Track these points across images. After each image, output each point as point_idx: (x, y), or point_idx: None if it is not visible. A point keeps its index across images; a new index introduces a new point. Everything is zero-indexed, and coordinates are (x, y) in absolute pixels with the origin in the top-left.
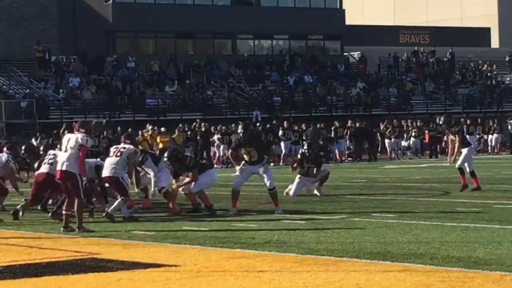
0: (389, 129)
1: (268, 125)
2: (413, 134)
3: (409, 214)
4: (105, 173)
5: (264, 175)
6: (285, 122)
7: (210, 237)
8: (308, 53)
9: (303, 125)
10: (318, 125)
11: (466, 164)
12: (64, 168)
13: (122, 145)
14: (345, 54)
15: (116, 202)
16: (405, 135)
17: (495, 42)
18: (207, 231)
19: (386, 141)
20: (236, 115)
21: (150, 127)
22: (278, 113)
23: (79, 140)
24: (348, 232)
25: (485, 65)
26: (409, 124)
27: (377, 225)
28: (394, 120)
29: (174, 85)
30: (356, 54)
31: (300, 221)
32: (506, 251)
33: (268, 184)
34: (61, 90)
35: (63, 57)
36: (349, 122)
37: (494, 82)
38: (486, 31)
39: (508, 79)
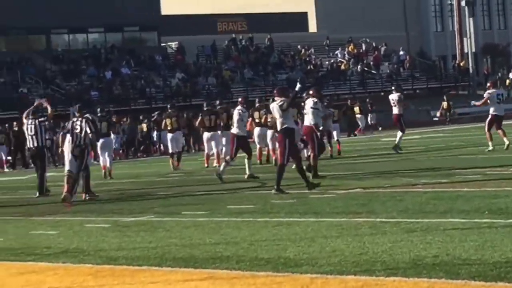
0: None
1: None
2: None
3: (220, 211)
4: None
5: None
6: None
7: (3, 249)
8: (125, 45)
9: (125, 119)
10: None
11: None
12: None
13: None
14: (162, 45)
15: None
16: None
17: (312, 27)
18: (1, 241)
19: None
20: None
21: None
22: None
23: None
24: (153, 235)
25: (303, 50)
26: None
27: (185, 225)
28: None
29: None
30: (174, 44)
31: (104, 225)
32: (319, 248)
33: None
34: None
35: None
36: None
37: (312, 66)
38: (303, 16)
39: (326, 63)
